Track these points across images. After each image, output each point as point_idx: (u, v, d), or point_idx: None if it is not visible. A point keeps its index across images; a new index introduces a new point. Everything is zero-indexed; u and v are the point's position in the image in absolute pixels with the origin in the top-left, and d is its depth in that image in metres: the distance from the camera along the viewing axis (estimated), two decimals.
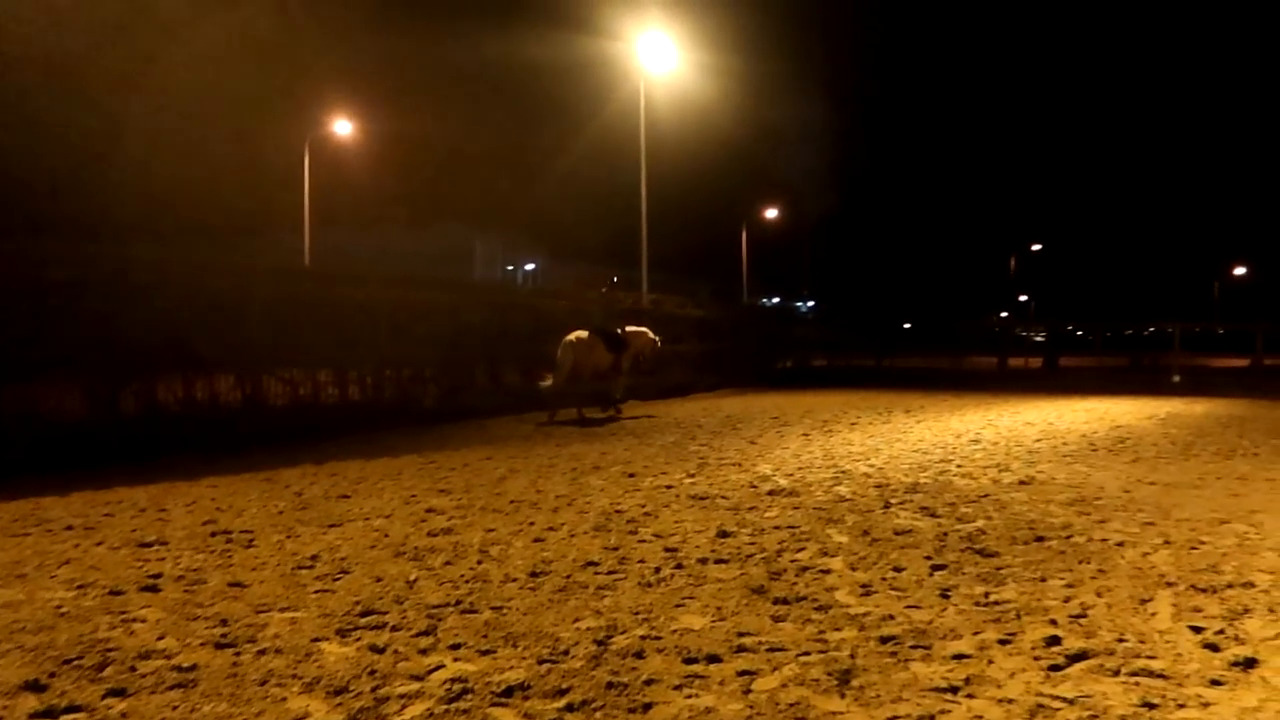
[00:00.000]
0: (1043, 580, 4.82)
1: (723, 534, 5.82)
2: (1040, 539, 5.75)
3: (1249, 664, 3.67)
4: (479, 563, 5.13)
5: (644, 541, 5.64)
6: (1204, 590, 4.68)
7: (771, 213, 37.55)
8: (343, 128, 36.50)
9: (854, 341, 35.85)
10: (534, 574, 4.87)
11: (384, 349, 14.00)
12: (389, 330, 14.13)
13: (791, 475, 8.23)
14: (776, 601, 4.38)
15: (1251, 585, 4.80)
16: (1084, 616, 4.22)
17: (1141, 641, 3.90)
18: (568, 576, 4.81)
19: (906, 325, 42.59)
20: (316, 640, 3.87)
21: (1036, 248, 52.61)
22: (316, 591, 4.60)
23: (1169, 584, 4.79)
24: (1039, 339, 44.01)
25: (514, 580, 4.77)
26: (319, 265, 30.97)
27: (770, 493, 7.33)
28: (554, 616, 4.17)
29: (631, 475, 8.23)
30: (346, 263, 34.58)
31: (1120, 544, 5.67)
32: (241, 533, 5.95)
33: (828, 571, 4.93)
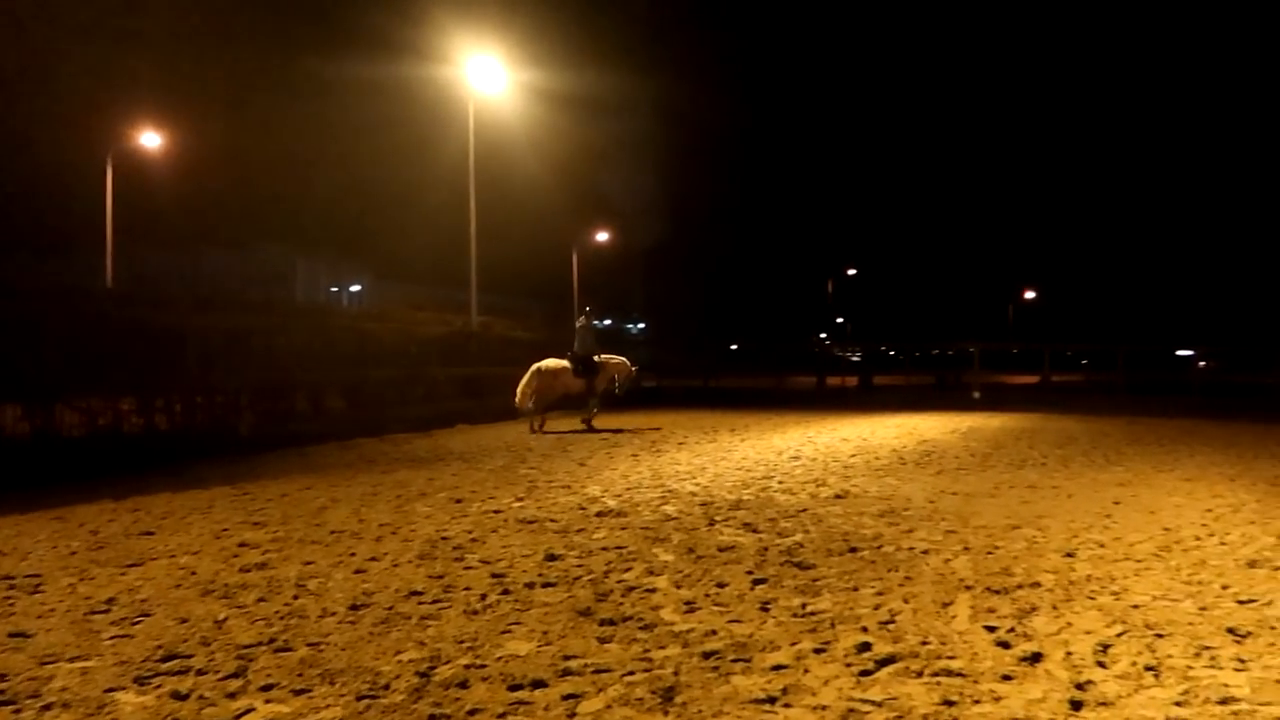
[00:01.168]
0: (855, 589, 5.06)
1: (551, 557, 5.80)
2: (854, 550, 6.04)
3: (1035, 658, 3.98)
4: (295, 598, 4.91)
5: (470, 568, 5.55)
6: (998, 592, 5.04)
7: (604, 236, 37.94)
8: (150, 140, 34.30)
9: (683, 362, 36.62)
10: (354, 607, 4.70)
11: (195, 375, 13.22)
12: (200, 355, 13.37)
13: (620, 496, 8.30)
14: (603, 623, 4.40)
15: (1038, 585, 5.20)
16: (892, 622, 4.46)
17: (943, 643, 4.16)
18: (390, 608, 4.67)
19: (733, 346, 43.94)
20: (111, 690, 3.60)
21: (852, 272, 55.53)
22: (112, 638, 4.27)
23: (967, 587, 5.12)
24: (855, 359, 46.26)
25: (332, 614, 4.58)
26: (122, 287, 28.97)
27: (599, 514, 7.37)
28: (374, 650, 4.04)
29: (459, 501, 8.09)
30: (155, 284, 32.41)
31: (925, 552, 6.02)
32: (26, 577, 5.45)
33: (653, 590, 5.00)
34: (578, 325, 16.86)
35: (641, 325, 65.93)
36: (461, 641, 4.14)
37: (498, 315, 24.08)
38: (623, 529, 6.74)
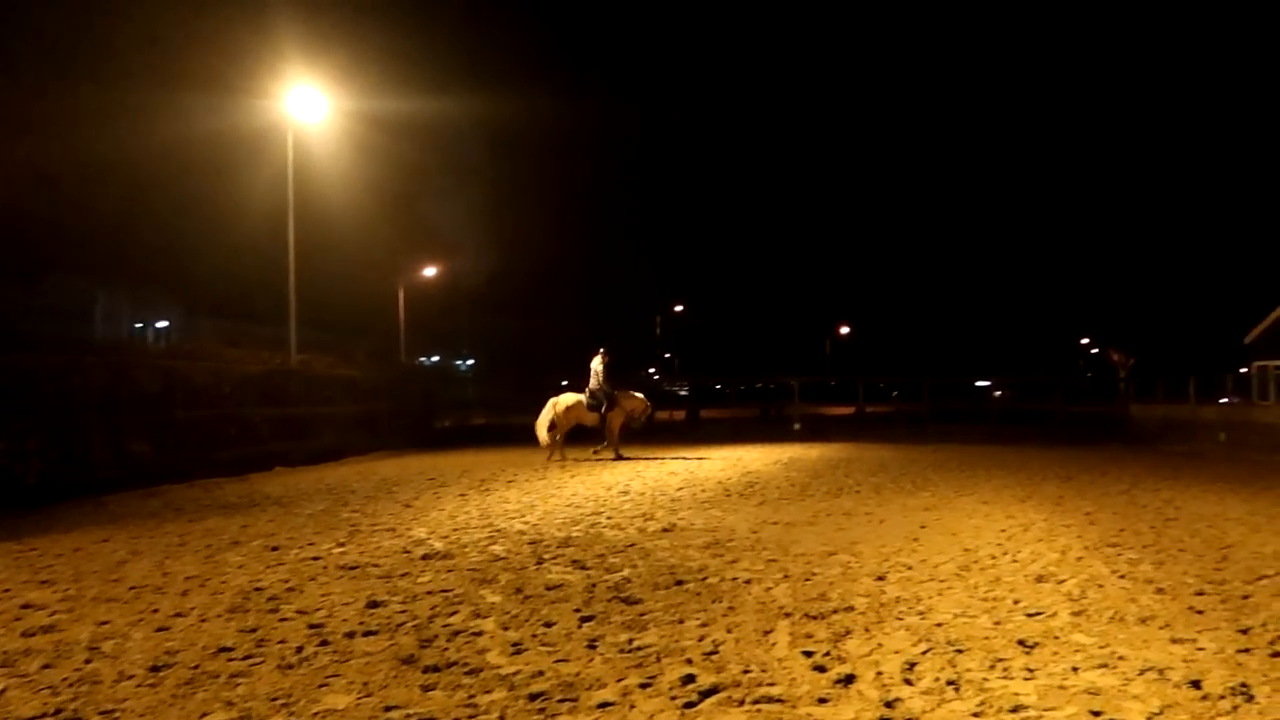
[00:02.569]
0: (681, 622, 5.14)
1: (373, 604, 5.61)
2: (680, 583, 6.15)
3: (849, 680, 4.16)
4: (87, 661, 4.53)
5: (286, 619, 5.29)
6: (815, 617, 5.25)
7: (432, 270, 37.28)
8: None
9: (513, 399, 36.38)
10: (155, 668, 4.38)
11: None
12: None
13: (447, 537, 8.14)
14: (427, 670, 4.29)
15: (852, 609, 5.45)
16: (716, 653, 4.56)
17: (763, 670, 4.29)
18: (196, 667, 4.39)
19: (563, 382, 43.98)
20: None
21: (679, 309, 56.90)
22: None
23: (787, 614, 5.31)
24: (683, 393, 47.27)
25: (130, 678, 4.26)
26: None
27: (425, 557, 7.20)
28: (177, 714, 3.78)
29: (275, 549, 7.70)
30: None
31: (748, 581, 6.21)
32: None
33: (480, 634, 4.92)
34: (593, 364, 17.60)
35: (471, 362, 65.09)
36: (275, 699, 3.93)
37: (319, 352, 23.15)
38: (449, 571, 6.60)
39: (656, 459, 17.55)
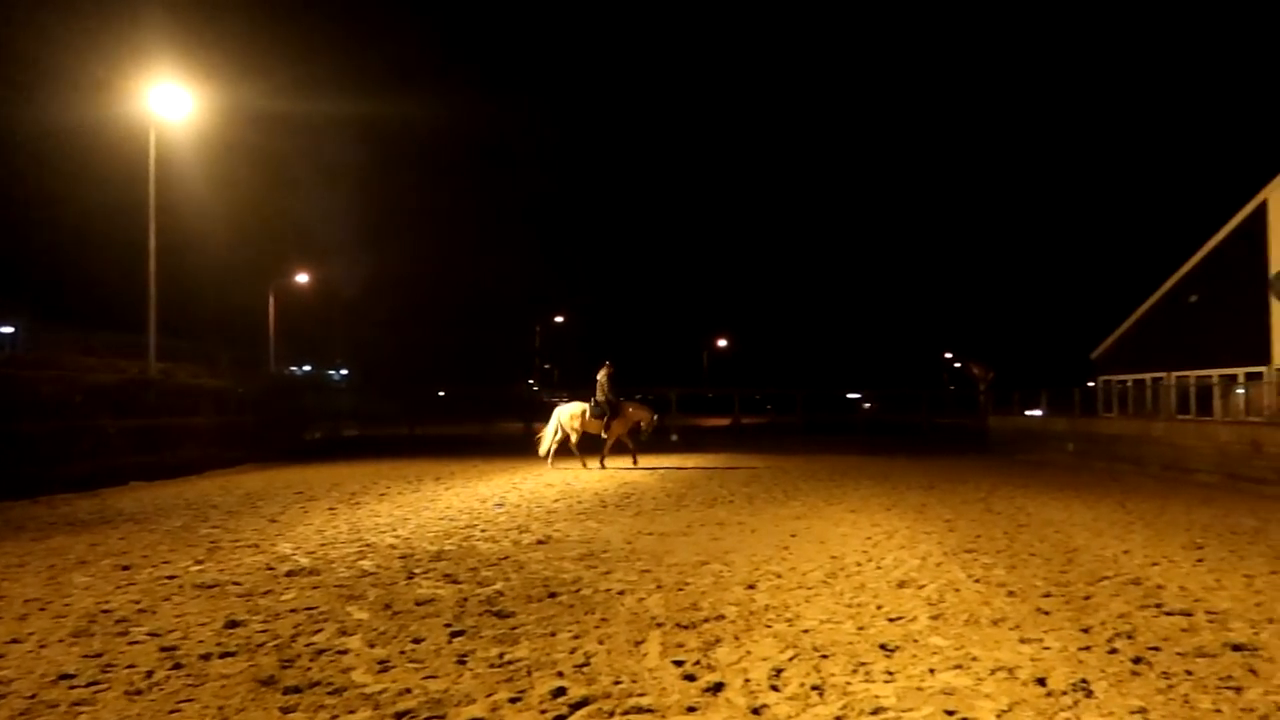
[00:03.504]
0: (553, 635, 5.12)
1: (232, 624, 5.37)
2: (553, 595, 6.12)
3: (717, 688, 4.22)
4: None
5: (136, 643, 5.01)
6: (686, 627, 5.30)
7: (304, 277, 36.05)
8: None
9: (388, 410, 35.57)
10: None
11: None
12: None
13: (313, 553, 7.87)
14: (288, 691, 4.14)
15: (723, 617, 5.54)
16: (587, 665, 4.56)
17: (634, 681, 4.31)
18: (32, 696, 4.11)
19: (440, 393, 43.26)
20: None
21: (559, 320, 56.66)
22: None
23: (659, 624, 5.35)
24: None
25: None
26: None
27: (289, 573, 6.94)
28: None
29: (126, 568, 7.29)
30: None
31: (621, 592, 6.22)
32: None
33: (345, 652, 4.78)
34: (599, 376, 18.43)
35: (344, 372, 63.34)
36: None
37: (182, 361, 22.09)
38: (314, 588, 6.38)
39: (534, 472, 17.43)
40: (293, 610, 5.72)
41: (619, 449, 18.72)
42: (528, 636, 5.07)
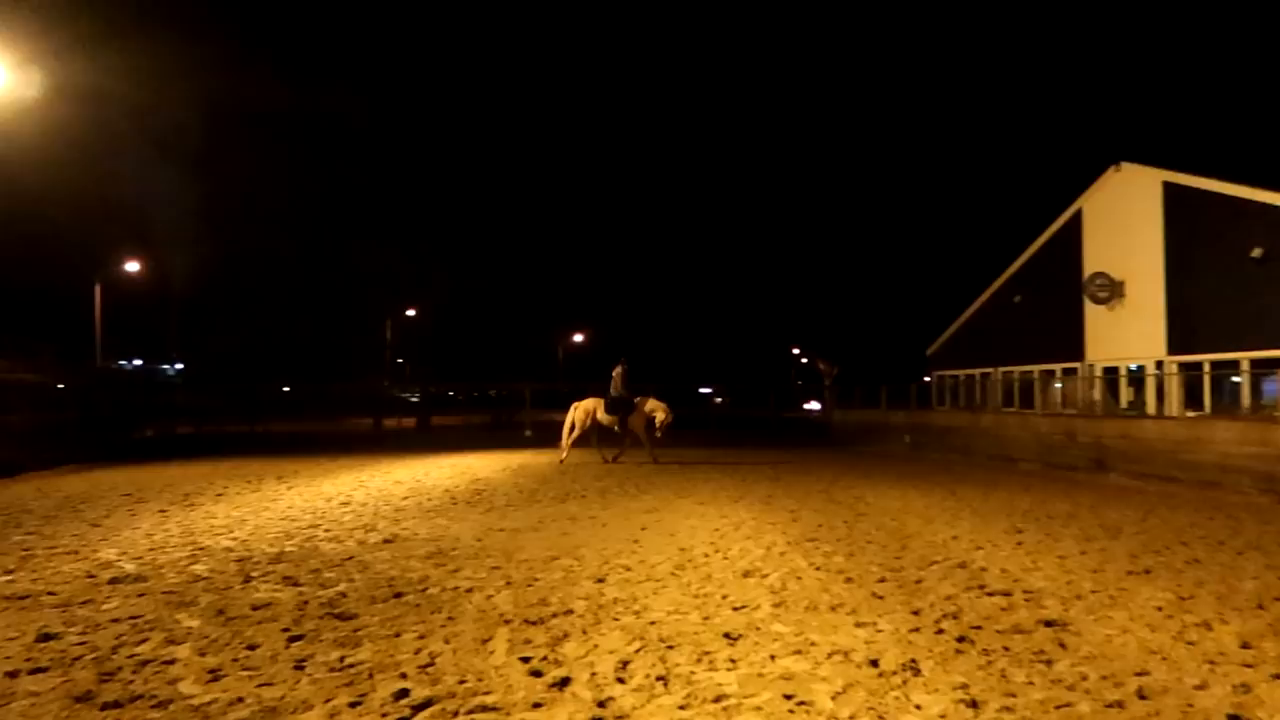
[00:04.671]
0: (397, 635, 5.00)
1: (45, 637, 5.00)
2: (398, 595, 5.98)
3: (564, 683, 4.22)
4: None
5: None
6: (534, 623, 5.29)
7: (135, 266, 33.83)
8: None
9: (227, 406, 33.92)
10: None
11: None
12: None
13: (140, 558, 7.42)
14: (106, 706, 3.89)
15: (571, 612, 5.55)
16: (432, 665, 4.48)
17: (479, 680, 4.26)
18: None
19: (285, 389, 41.55)
20: None
21: (411, 313, 55.30)
22: None
23: (507, 621, 5.31)
24: (414, 400, 46.10)
25: None
26: None
27: (112, 581, 6.52)
28: None
29: None
30: None
31: (469, 590, 6.15)
32: None
33: (173, 661, 4.52)
34: (614, 372, 18.82)
35: (179, 366, 60.06)
36: None
37: None
38: (140, 596, 6.02)
39: (382, 469, 16.99)
40: (115, 620, 5.37)
41: (637, 443, 18.83)
42: (370, 638, 4.94)
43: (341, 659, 4.56)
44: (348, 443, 26.87)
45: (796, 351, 67.02)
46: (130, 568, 7.01)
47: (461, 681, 4.21)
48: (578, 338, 62.50)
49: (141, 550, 7.83)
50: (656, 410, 18.75)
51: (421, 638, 4.96)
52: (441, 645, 4.80)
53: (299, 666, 4.44)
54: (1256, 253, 18.23)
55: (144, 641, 4.90)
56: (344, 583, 6.37)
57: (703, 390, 50.46)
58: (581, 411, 18.89)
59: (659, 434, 18.63)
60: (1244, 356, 18.61)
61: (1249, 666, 4.57)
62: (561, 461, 18.12)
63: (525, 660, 4.55)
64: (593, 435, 18.88)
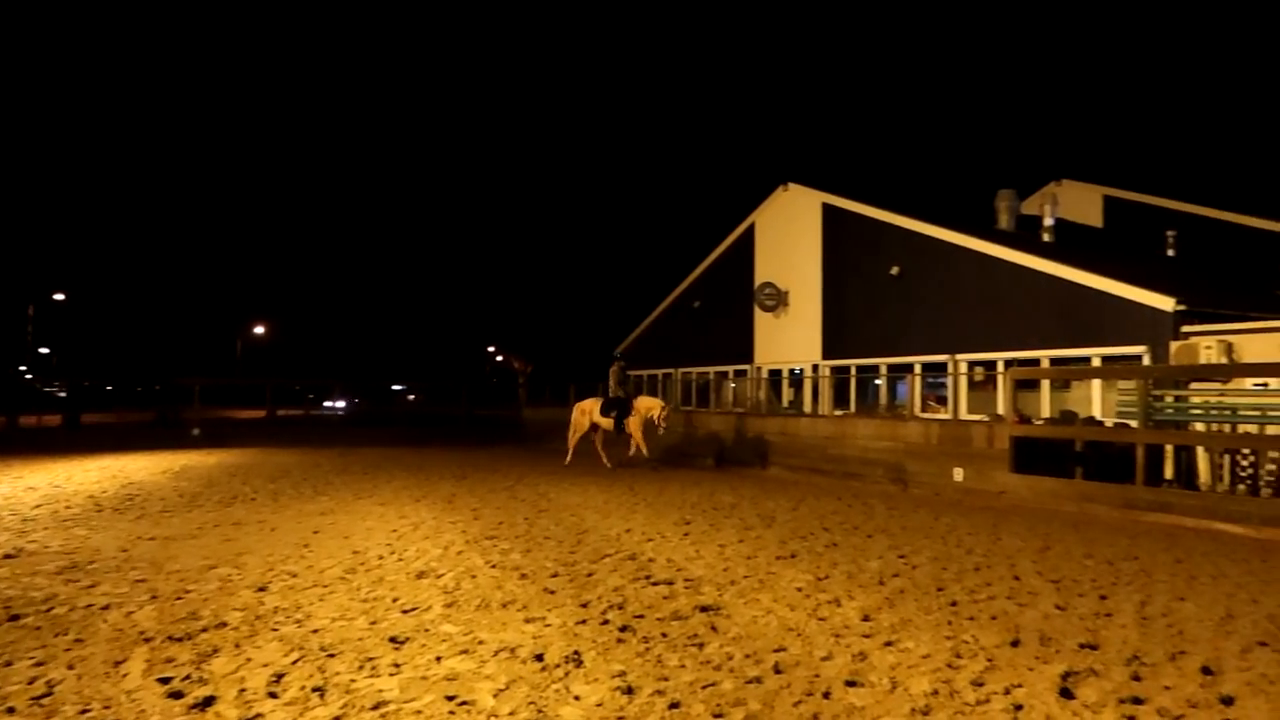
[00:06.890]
0: (8, 664, 4.40)
1: None
2: (15, 618, 5.26)
3: (208, 702, 3.92)
4: None
5: None
6: (180, 639, 4.86)
7: None
8: None
9: None
10: None
11: None
12: None
13: None
14: None
15: (225, 625, 5.16)
16: (49, 695, 3.99)
17: (106, 707, 3.85)
18: None
19: None
20: None
21: (60, 298, 48.84)
22: None
23: (147, 640, 4.84)
24: (61, 395, 40.93)
25: None
26: None
27: None
28: None
29: None
30: None
31: (106, 607, 5.54)
32: None
33: None
34: (611, 370, 18.45)
35: None
36: None
37: None
38: None
39: (12, 473, 14.90)
40: None
41: (635, 439, 17.75)
42: None
43: None
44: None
45: (492, 350, 67.13)
46: None
47: (84, 711, 3.78)
48: (259, 330, 58.51)
49: None
50: (653, 408, 18.06)
51: (39, 664, 4.40)
52: (64, 671, 4.29)
53: None
54: (895, 270, 20.63)
55: None
56: None
57: (395, 387, 49.16)
58: (580, 413, 18.64)
59: (661, 428, 17.94)
60: (882, 362, 21.03)
61: (867, 637, 5.16)
62: (566, 464, 17.86)
63: (164, 681, 4.17)
64: (595, 438, 18.35)
